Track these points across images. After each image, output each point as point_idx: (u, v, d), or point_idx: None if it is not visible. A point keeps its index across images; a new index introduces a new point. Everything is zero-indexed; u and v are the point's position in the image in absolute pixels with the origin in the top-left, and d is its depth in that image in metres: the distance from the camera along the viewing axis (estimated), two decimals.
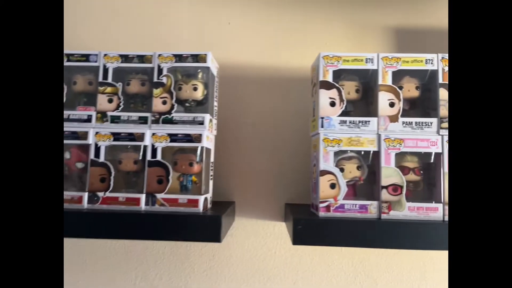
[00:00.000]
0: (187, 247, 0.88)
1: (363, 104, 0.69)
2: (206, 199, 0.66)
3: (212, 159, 0.71)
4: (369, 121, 0.63)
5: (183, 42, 0.91)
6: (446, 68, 0.64)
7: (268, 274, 0.87)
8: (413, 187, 0.66)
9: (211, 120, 0.68)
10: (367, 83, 0.68)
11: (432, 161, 0.64)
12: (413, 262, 0.85)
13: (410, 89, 0.66)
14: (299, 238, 0.59)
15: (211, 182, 0.71)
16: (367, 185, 0.67)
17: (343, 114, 0.68)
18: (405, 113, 0.68)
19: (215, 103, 0.73)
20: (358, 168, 0.65)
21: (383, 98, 0.64)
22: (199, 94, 0.68)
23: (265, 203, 0.88)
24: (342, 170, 0.65)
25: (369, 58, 0.65)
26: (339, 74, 0.67)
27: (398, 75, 0.66)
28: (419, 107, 0.69)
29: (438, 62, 0.64)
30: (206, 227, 0.60)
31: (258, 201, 0.88)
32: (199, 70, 0.68)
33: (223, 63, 0.92)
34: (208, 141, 0.67)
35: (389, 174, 0.62)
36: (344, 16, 0.92)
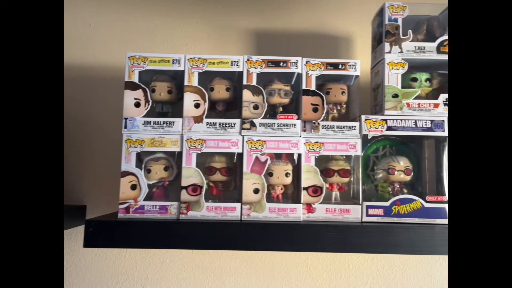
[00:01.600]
0: None
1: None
2: None
3: None
4: (173, 121, 0.64)
5: None
6: (251, 70, 0.65)
7: (117, 278, 0.85)
8: (223, 187, 0.66)
9: None
10: (180, 84, 0.68)
11: (235, 161, 0.65)
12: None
13: (221, 90, 0.67)
14: (90, 240, 0.59)
15: None
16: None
17: (160, 115, 0.68)
18: (219, 114, 0.69)
19: None
20: (165, 169, 0.65)
21: (189, 99, 0.64)
22: None
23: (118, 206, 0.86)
24: (149, 171, 0.64)
25: (176, 59, 0.65)
26: (152, 75, 0.67)
27: (209, 76, 0.67)
28: (235, 108, 0.70)
29: (243, 64, 0.65)
30: None
31: (110, 204, 0.86)
32: None
33: (83, 64, 0.90)
34: None
35: (190, 174, 0.62)
36: (206, 18, 0.93)
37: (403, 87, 0.67)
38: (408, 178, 0.66)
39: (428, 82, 0.68)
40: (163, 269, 0.85)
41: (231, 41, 0.93)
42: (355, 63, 0.66)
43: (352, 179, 0.67)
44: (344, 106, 0.69)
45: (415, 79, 0.68)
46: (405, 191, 0.67)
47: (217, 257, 0.85)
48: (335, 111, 0.69)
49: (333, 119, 0.69)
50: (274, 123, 0.64)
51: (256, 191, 0.62)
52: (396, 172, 0.66)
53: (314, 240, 0.60)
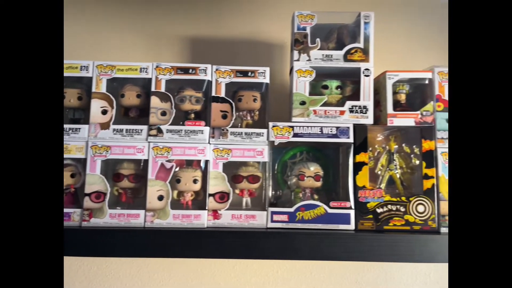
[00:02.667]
0: None
1: None
2: None
3: None
4: (80, 128, 0.63)
5: None
6: (160, 76, 0.65)
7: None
8: (132, 194, 0.66)
9: None
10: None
11: (141, 168, 0.64)
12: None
13: (131, 97, 0.67)
14: None
15: None
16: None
17: (71, 121, 0.68)
18: (132, 121, 0.69)
19: None
20: (72, 175, 0.64)
21: (96, 105, 0.64)
22: None
23: None
24: None
25: (84, 66, 0.65)
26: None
27: (121, 83, 0.67)
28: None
29: (152, 71, 0.65)
30: None
31: None
32: None
33: None
34: None
35: (94, 181, 0.62)
36: (137, 27, 0.93)
37: (315, 94, 0.68)
38: (317, 184, 0.67)
39: (339, 89, 0.69)
40: (90, 277, 0.84)
41: (168, 48, 0.93)
42: (264, 70, 0.67)
43: (264, 185, 0.68)
44: (257, 113, 0.70)
45: (326, 87, 0.69)
46: (316, 197, 0.67)
47: (144, 265, 0.85)
48: (248, 117, 0.70)
49: (247, 125, 0.70)
50: (182, 130, 0.64)
51: (160, 198, 0.62)
52: (305, 178, 0.66)
53: (218, 247, 0.60)
